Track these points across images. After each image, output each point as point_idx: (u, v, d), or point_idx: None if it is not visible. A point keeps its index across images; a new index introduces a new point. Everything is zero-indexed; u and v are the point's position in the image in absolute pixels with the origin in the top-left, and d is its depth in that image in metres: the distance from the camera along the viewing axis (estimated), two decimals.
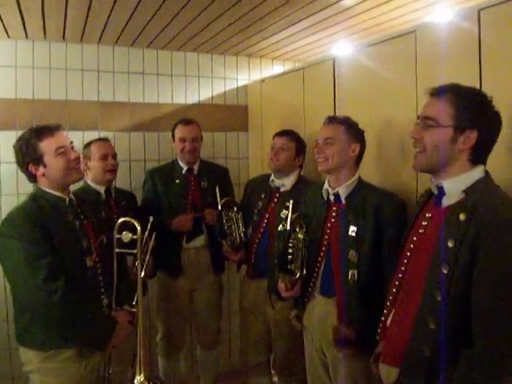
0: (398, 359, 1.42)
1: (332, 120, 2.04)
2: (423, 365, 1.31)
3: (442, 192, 1.39)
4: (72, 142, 1.98)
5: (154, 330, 3.15)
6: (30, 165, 1.87)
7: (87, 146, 2.65)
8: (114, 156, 2.70)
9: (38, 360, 1.84)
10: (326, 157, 1.97)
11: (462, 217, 1.26)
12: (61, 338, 1.83)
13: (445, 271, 1.27)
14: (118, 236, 2.01)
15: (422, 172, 1.49)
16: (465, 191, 1.31)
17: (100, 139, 2.72)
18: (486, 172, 1.36)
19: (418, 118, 1.43)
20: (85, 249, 1.93)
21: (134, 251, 2.02)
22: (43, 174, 1.88)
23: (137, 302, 2.05)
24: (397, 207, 1.88)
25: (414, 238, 1.45)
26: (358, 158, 2.03)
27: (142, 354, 1.94)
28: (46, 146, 1.86)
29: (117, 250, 2.02)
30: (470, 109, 1.31)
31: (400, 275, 1.49)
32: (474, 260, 1.21)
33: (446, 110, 1.32)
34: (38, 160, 1.86)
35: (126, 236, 1.99)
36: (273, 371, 2.79)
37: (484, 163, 1.37)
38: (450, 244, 1.27)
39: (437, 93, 1.37)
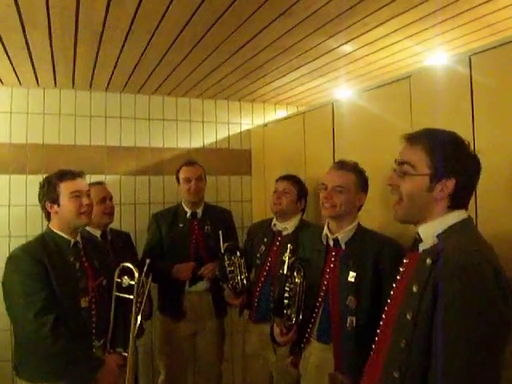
0: None
1: (343, 166, 1.99)
2: None
3: (419, 238, 1.35)
4: (89, 190, 2.14)
5: (156, 372, 3.11)
6: (47, 202, 2.04)
7: None
8: (111, 199, 2.75)
9: None
10: (333, 204, 1.94)
11: (428, 261, 1.21)
12: (47, 372, 1.90)
13: (409, 317, 1.21)
14: (117, 280, 2.08)
15: (403, 223, 1.41)
16: (437, 236, 1.26)
17: (96, 183, 2.74)
18: (468, 216, 1.31)
19: (396, 162, 1.37)
20: (80, 289, 1.99)
21: (131, 296, 2.06)
22: (56, 213, 2.03)
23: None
24: (397, 254, 1.80)
25: (394, 285, 1.41)
26: (361, 206, 2.03)
27: None
28: (65, 187, 2.03)
29: (115, 294, 2.08)
30: (446, 157, 1.26)
31: (382, 322, 1.44)
32: (435, 306, 1.15)
33: (421, 157, 1.27)
34: (55, 199, 2.03)
35: (126, 281, 2.05)
36: None
37: (464, 207, 1.31)
38: (415, 289, 1.22)
39: (412, 139, 1.32)
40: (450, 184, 1.25)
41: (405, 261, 1.40)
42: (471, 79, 1.77)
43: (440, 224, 1.27)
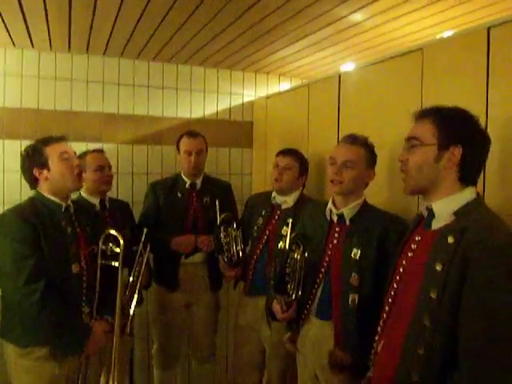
0: None
1: (354, 141, 1.92)
2: None
3: (431, 214, 1.35)
4: (75, 154, 2.09)
5: (151, 341, 3.12)
6: (35, 169, 1.96)
7: (81, 157, 2.58)
8: (110, 167, 2.69)
9: (15, 355, 1.91)
10: (341, 180, 1.88)
11: (450, 240, 1.23)
12: (35, 338, 1.89)
13: (433, 296, 1.23)
14: (103, 247, 2.06)
15: (412, 195, 1.45)
16: (454, 213, 1.28)
17: (95, 150, 2.69)
18: (478, 194, 1.33)
19: (405, 139, 1.41)
20: (72, 256, 1.97)
21: (117, 264, 2.04)
22: (46, 178, 1.97)
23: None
24: (403, 232, 1.78)
25: (404, 262, 1.42)
26: (368, 183, 1.98)
27: (117, 364, 1.93)
28: (52, 150, 1.97)
29: (101, 262, 2.06)
30: (453, 125, 1.30)
31: (390, 300, 1.45)
32: (463, 285, 1.18)
33: (428, 129, 1.32)
34: (43, 164, 1.96)
35: (110, 249, 2.04)
36: None
37: (474, 184, 1.34)
38: (438, 268, 1.23)
39: (419, 115, 1.38)
40: (457, 152, 1.28)
41: (416, 238, 1.39)
42: (488, 52, 1.68)
43: (456, 201, 1.29)
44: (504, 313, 1.13)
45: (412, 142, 1.35)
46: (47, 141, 1.99)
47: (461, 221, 1.25)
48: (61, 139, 2.03)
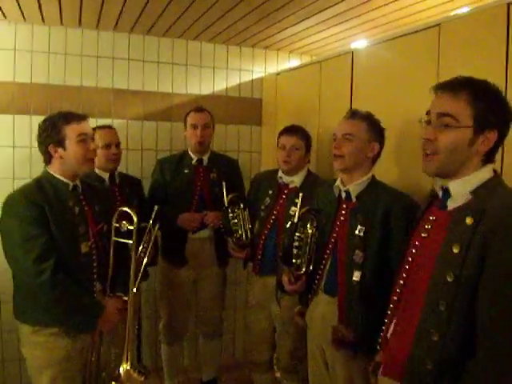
0: (399, 372, 1.32)
1: (354, 115, 1.93)
2: (426, 379, 1.22)
3: (446, 193, 1.30)
4: (93, 134, 2.07)
5: (158, 317, 3.15)
6: (51, 145, 1.94)
7: None
8: (118, 145, 2.66)
9: (28, 333, 1.92)
10: (342, 154, 1.88)
11: (468, 221, 1.17)
12: (47, 317, 1.89)
13: (449, 279, 1.17)
14: (116, 225, 2.05)
15: (434, 176, 1.36)
16: (472, 193, 1.22)
17: (104, 127, 2.66)
18: (495, 171, 1.27)
19: (428, 113, 1.30)
20: (81, 235, 1.97)
21: (131, 241, 2.03)
22: (60, 157, 1.95)
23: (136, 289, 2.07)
24: (408, 210, 1.76)
25: (417, 243, 1.36)
26: (375, 158, 1.95)
27: (129, 343, 1.95)
28: (71, 130, 1.93)
29: (114, 239, 2.06)
30: (491, 108, 1.20)
31: (402, 282, 1.40)
32: (481, 268, 1.12)
33: (464, 108, 1.20)
34: (60, 142, 1.93)
35: (124, 226, 2.03)
36: (276, 368, 2.74)
37: (492, 162, 1.27)
38: (456, 250, 1.17)
39: (452, 88, 1.24)
40: (492, 136, 1.19)
41: (431, 218, 1.33)
42: (508, 29, 1.65)
43: (473, 180, 1.22)
44: None
45: (445, 120, 1.22)
46: (68, 118, 1.95)
47: (478, 200, 1.19)
48: (83, 118, 1.99)
